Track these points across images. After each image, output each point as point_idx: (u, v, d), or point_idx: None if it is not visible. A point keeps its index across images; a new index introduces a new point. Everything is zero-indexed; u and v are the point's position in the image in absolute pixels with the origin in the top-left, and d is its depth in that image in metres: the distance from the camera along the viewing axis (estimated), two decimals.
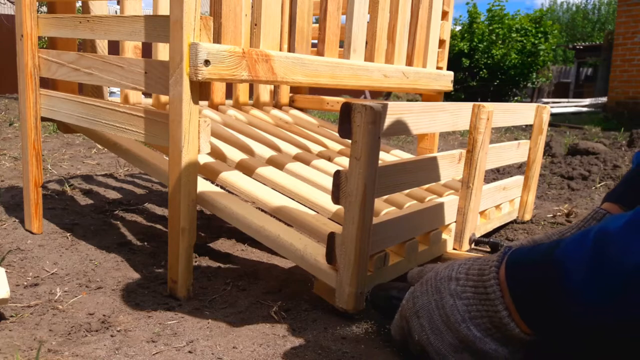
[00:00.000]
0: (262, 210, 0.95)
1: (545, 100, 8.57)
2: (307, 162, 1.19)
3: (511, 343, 0.60)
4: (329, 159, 1.28)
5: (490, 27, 9.43)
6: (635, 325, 0.50)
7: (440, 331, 0.63)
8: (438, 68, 1.53)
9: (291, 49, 1.07)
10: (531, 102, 9.74)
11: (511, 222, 1.42)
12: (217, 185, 1.02)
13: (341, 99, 1.60)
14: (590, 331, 0.56)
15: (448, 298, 0.63)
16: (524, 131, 4.84)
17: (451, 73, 1.53)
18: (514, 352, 0.61)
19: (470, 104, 1.05)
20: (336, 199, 0.79)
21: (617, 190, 0.91)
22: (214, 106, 1.51)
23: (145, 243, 1.18)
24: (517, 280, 0.59)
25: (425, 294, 0.66)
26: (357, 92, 8.80)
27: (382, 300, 0.77)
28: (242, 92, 1.58)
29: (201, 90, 0.86)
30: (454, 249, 1.11)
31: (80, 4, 1.51)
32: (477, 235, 1.17)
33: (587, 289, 0.50)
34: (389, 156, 1.46)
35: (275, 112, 1.62)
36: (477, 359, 0.62)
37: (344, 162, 1.27)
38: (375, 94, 9.19)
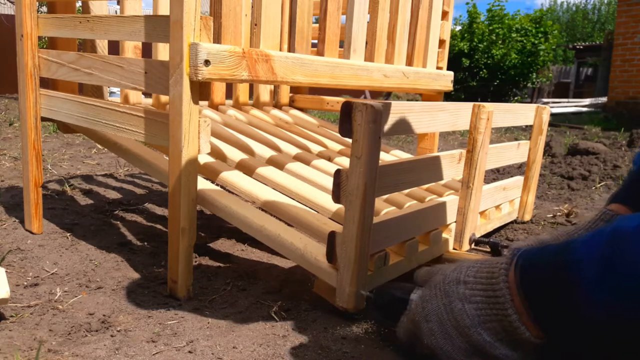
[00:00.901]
0: (263, 210, 0.95)
1: (545, 100, 8.56)
2: (307, 162, 1.19)
3: (521, 347, 0.60)
4: (329, 159, 1.28)
5: (490, 27, 9.42)
6: None
7: (451, 336, 0.62)
8: (438, 68, 1.53)
9: (291, 49, 1.07)
10: (531, 102, 9.74)
11: (511, 223, 1.42)
12: (217, 185, 1.02)
13: (341, 99, 1.60)
14: (602, 331, 0.56)
15: (457, 302, 0.62)
16: (524, 131, 4.84)
17: (451, 73, 1.53)
18: (524, 356, 0.60)
19: (470, 104, 1.05)
20: (337, 198, 0.79)
21: (622, 191, 0.91)
22: (214, 106, 1.51)
23: (145, 243, 1.18)
24: (528, 281, 0.58)
25: (434, 298, 0.65)
26: (357, 92, 8.80)
27: (385, 300, 0.77)
28: (242, 92, 1.58)
29: (201, 90, 0.86)
30: (454, 248, 1.12)
31: (80, 4, 1.51)
32: (477, 235, 1.17)
33: (599, 288, 0.50)
34: (389, 156, 1.46)
35: (275, 112, 1.62)
36: None
37: (343, 162, 1.27)
38: (375, 94, 9.18)
